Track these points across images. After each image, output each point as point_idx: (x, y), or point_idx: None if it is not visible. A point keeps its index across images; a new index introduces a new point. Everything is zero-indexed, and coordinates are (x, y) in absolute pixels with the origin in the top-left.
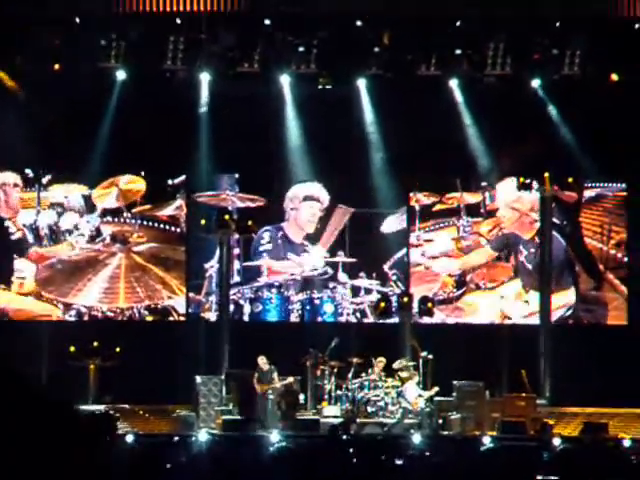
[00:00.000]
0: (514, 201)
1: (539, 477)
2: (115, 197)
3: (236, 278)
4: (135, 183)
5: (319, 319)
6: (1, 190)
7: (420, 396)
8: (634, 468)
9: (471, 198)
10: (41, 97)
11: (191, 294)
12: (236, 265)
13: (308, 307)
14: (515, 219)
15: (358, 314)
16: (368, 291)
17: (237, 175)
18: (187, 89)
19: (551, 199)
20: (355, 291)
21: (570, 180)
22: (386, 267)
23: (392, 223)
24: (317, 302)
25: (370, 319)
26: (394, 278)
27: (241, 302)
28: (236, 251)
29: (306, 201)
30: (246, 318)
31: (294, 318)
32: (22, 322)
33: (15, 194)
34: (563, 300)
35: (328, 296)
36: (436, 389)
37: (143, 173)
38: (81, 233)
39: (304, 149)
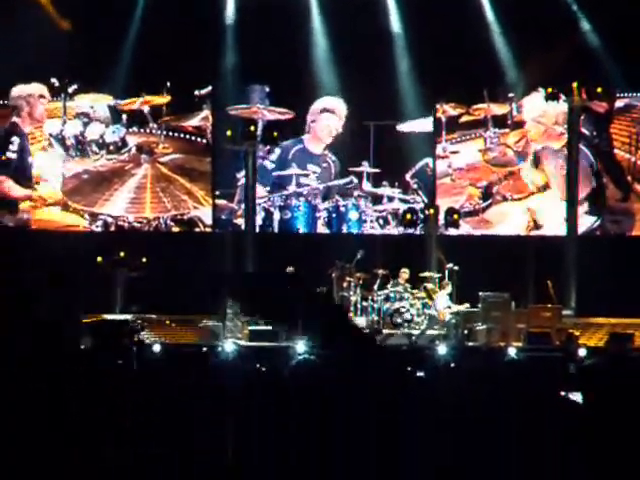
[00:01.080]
0: (540, 116)
1: (562, 392)
2: (139, 105)
3: (267, 187)
4: (160, 95)
5: (344, 227)
6: (25, 102)
7: (449, 307)
8: None
9: (498, 109)
10: (66, 7)
11: (224, 202)
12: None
13: (334, 215)
14: (541, 132)
15: (381, 221)
16: (390, 199)
17: (267, 88)
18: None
19: (579, 109)
20: (378, 199)
21: (599, 90)
22: (408, 176)
23: (414, 125)
24: (342, 210)
25: (392, 227)
26: (415, 187)
27: (271, 210)
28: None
29: (323, 113)
30: (276, 225)
31: (321, 225)
32: (49, 232)
33: (41, 106)
34: (587, 218)
35: (352, 204)
36: (467, 305)
37: (169, 84)
38: (106, 144)
39: (331, 59)
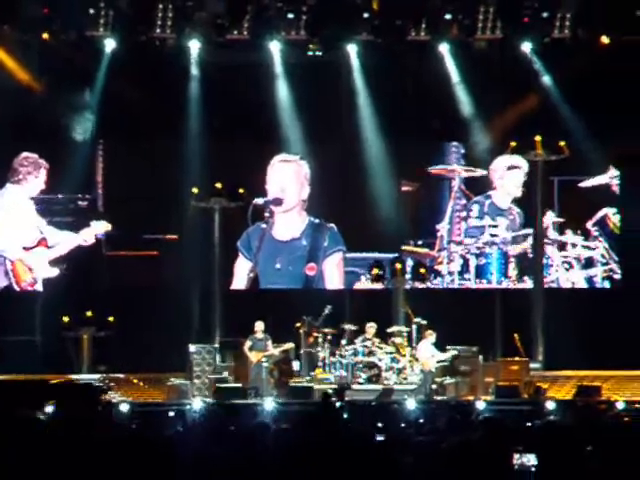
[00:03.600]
0: None
1: (517, 452)
2: None
3: (462, 237)
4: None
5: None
6: None
7: (433, 356)
8: (627, 430)
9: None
10: (29, 66)
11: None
12: (463, 225)
13: (524, 261)
14: None
15: (566, 265)
16: (574, 245)
17: None
18: (176, 57)
19: (542, 163)
20: (562, 246)
21: (562, 144)
22: (589, 225)
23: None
24: (531, 256)
25: (576, 269)
26: (596, 234)
27: (467, 256)
28: (463, 214)
29: (511, 170)
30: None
31: (511, 271)
32: (17, 292)
33: None
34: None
35: None
36: (453, 353)
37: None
38: None
39: (294, 116)
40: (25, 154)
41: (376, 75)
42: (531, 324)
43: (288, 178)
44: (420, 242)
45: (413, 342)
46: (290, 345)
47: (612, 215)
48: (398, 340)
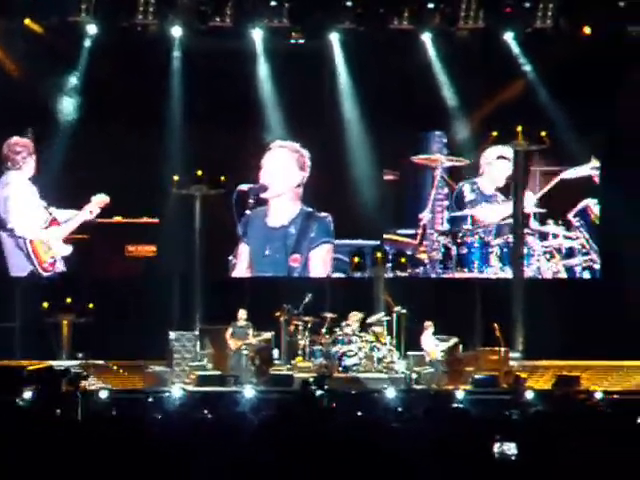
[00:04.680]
0: None
1: (497, 441)
2: None
3: (445, 226)
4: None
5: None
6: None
7: (437, 346)
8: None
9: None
10: (11, 51)
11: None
12: (445, 215)
13: (505, 250)
14: None
15: (548, 255)
16: (555, 236)
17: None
18: (159, 44)
19: (524, 153)
20: (544, 236)
21: (543, 134)
22: (570, 215)
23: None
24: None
25: (557, 259)
26: (577, 225)
27: (449, 245)
28: (445, 202)
29: (499, 160)
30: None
31: (493, 259)
32: None
33: None
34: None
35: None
36: (455, 340)
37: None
38: None
39: (276, 105)
40: (15, 139)
41: (359, 63)
42: (511, 314)
43: (279, 164)
44: (403, 231)
45: (393, 331)
46: (269, 334)
47: (593, 206)
48: (378, 329)
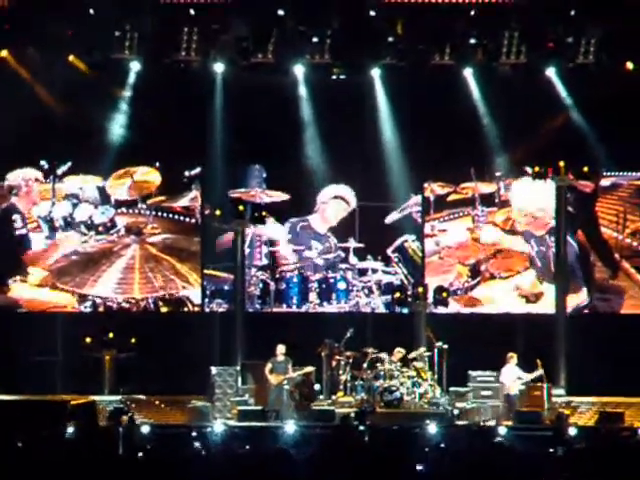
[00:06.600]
0: (525, 206)
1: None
2: (127, 188)
3: (264, 261)
4: (150, 174)
5: (333, 296)
6: (25, 184)
7: (519, 378)
8: None
9: (486, 188)
10: (54, 88)
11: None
12: (264, 250)
13: (324, 285)
14: (527, 222)
15: (366, 290)
16: (374, 271)
17: (263, 171)
18: (201, 80)
19: (566, 188)
20: (363, 271)
21: (585, 169)
22: (389, 251)
23: (394, 215)
24: (332, 281)
25: (376, 296)
26: (396, 260)
27: (268, 281)
28: (263, 238)
29: (335, 199)
30: (272, 295)
31: (312, 295)
32: (37, 313)
33: (36, 188)
34: (575, 300)
35: (341, 275)
36: (540, 372)
37: (158, 164)
38: (95, 225)
39: (318, 140)
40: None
41: (400, 99)
42: (553, 350)
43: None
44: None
45: (435, 366)
46: (310, 369)
47: (411, 242)
48: (420, 364)
